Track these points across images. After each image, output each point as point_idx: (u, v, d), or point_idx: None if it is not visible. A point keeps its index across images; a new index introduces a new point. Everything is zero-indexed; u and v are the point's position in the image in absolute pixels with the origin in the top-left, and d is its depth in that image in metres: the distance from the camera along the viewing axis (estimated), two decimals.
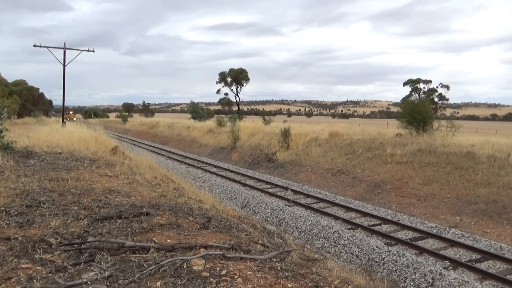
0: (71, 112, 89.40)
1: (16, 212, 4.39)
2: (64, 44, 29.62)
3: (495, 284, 7.44)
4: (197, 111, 50.09)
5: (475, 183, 12.99)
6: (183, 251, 3.54)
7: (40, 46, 28.77)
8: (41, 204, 4.82)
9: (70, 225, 4.08)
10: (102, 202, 5.14)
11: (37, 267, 2.99)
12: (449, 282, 7.25)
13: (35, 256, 3.19)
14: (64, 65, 29.88)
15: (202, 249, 3.63)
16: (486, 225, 11.07)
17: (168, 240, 3.86)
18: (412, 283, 7.64)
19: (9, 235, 3.58)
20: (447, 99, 64.94)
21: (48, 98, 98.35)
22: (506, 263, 8.42)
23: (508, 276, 7.77)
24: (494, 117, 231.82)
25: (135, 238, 3.78)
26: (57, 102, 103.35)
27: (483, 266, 8.31)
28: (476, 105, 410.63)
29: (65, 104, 33.22)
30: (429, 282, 7.48)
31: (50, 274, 2.88)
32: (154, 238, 3.85)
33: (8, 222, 4.01)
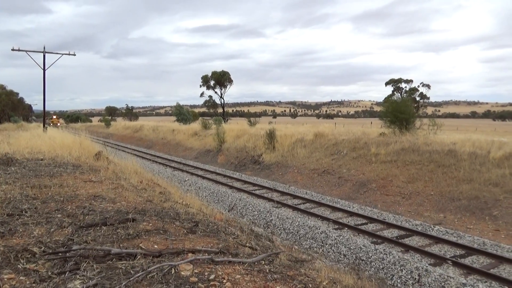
0: (54, 117, 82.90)
1: None
2: (44, 47, 29.07)
3: (479, 279, 7.60)
4: (182, 113, 49.76)
5: (457, 180, 13.26)
6: (170, 257, 3.51)
7: (19, 50, 28.16)
8: (24, 212, 4.70)
9: (54, 233, 3.99)
10: (86, 209, 5.04)
11: (21, 277, 2.92)
12: (435, 278, 7.38)
13: (18, 266, 3.11)
14: (44, 69, 29.32)
15: (190, 254, 3.60)
16: (469, 221, 11.31)
17: (155, 246, 3.82)
18: (399, 280, 7.75)
19: None
20: (428, 98, 66.33)
21: (28, 103, 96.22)
22: (489, 258, 8.62)
23: (491, 270, 7.95)
24: (474, 115, 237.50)
25: (121, 245, 3.73)
26: (37, 106, 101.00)
27: (467, 261, 8.48)
28: (457, 103, 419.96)
29: (46, 109, 32.57)
30: (415, 278, 7.60)
31: (34, 284, 2.82)
32: (140, 244, 3.80)
33: None
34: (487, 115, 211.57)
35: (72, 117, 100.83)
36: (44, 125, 30.58)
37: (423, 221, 11.48)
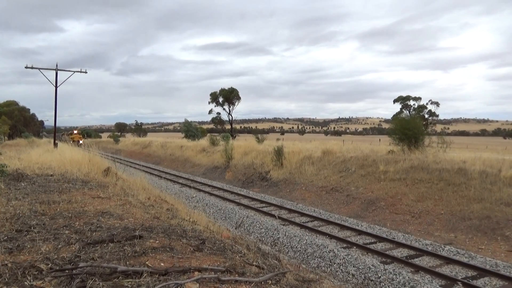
0: (75, 132, 65.54)
1: (6, 237, 4.29)
2: (56, 65, 29.65)
3: None
4: (190, 130, 50.09)
5: (468, 199, 13.05)
6: (177, 275, 3.48)
7: (32, 68, 28.73)
8: (32, 228, 4.72)
9: (61, 250, 4.00)
10: (94, 225, 5.05)
11: None
12: None
13: (25, 283, 3.11)
14: (56, 86, 29.85)
15: (196, 273, 3.57)
16: (480, 241, 11.08)
17: (162, 264, 3.80)
18: None
19: None
20: (437, 115, 65.97)
21: (40, 119, 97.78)
22: (502, 280, 8.40)
23: None
24: (483, 133, 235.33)
25: (127, 262, 3.71)
26: (48, 122, 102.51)
27: (479, 283, 8.27)
28: (466, 120, 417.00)
29: (57, 125, 33.03)
30: None
31: None
32: (147, 262, 3.78)
33: None
34: (497, 133, 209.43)
35: (82, 133, 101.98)
36: (54, 142, 30.88)
37: (433, 241, 11.27)
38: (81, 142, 48.04)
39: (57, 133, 40.46)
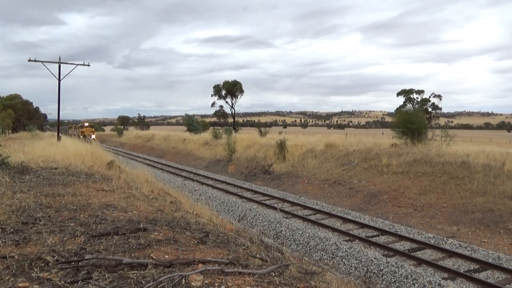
0: (86, 124, 57.01)
1: (12, 230, 4.34)
2: (59, 58, 29.67)
3: None
4: (192, 123, 50.11)
5: (471, 192, 13.04)
6: (181, 267, 3.52)
7: (35, 61, 28.77)
8: (37, 220, 4.77)
9: (66, 242, 4.05)
10: (98, 218, 5.10)
11: (34, 286, 2.96)
12: None
13: (32, 274, 3.16)
14: (59, 79, 29.88)
15: (200, 265, 3.61)
16: (483, 234, 11.09)
17: (166, 256, 3.84)
18: None
19: (5, 254, 3.54)
20: (440, 109, 65.55)
21: (43, 112, 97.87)
22: (505, 273, 8.42)
23: (507, 285, 7.77)
24: (487, 126, 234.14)
25: (132, 255, 3.76)
26: (51, 116, 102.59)
27: (481, 276, 8.30)
28: (470, 114, 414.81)
29: (60, 118, 33.09)
30: None
31: None
32: (151, 254, 3.82)
33: (4, 240, 3.97)
34: (501, 126, 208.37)
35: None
36: (58, 135, 30.99)
37: (436, 234, 11.30)
38: (93, 136, 43.00)
39: (62, 126, 40.40)
